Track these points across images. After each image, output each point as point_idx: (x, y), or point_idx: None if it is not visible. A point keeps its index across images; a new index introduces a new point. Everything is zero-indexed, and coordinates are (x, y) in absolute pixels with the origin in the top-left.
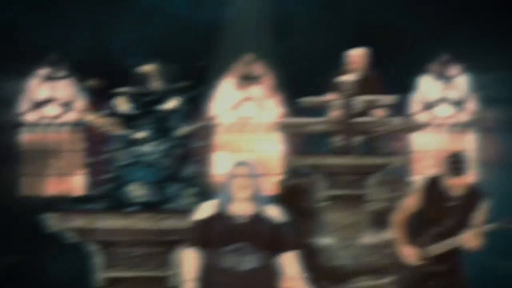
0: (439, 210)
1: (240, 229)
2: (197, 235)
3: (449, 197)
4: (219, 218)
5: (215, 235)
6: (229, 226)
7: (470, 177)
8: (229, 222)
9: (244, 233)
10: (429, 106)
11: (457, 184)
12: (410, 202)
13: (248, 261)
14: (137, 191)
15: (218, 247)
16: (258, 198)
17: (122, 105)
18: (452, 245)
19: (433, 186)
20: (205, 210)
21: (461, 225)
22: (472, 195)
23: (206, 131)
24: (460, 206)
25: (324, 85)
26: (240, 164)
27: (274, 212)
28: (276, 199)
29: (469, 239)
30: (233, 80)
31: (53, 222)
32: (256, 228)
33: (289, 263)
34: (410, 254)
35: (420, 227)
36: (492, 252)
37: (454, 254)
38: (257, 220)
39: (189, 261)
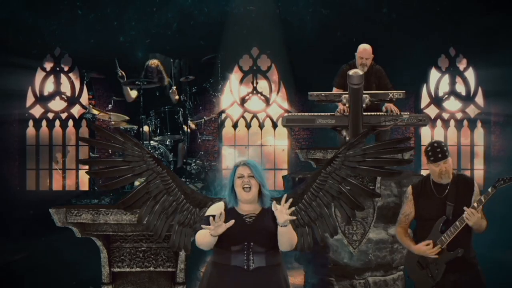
0: (435, 205)
1: (247, 229)
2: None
3: (440, 191)
4: (228, 217)
5: (224, 234)
6: (236, 226)
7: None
8: (237, 221)
9: (251, 232)
10: (437, 100)
11: (442, 174)
12: (407, 210)
13: (256, 260)
14: None
15: (226, 246)
16: (262, 196)
17: (128, 98)
18: (459, 227)
19: (422, 188)
20: (215, 209)
21: (460, 210)
22: (462, 182)
23: (213, 125)
24: (452, 193)
25: (331, 79)
26: (242, 164)
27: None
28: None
29: (470, 215)
30: (241, 75)
31: (59, 217)
32: (262, 226)
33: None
34: (423, 250)
35: (424, 227)
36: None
37: (466, 240)
38: (263, 218)
39: (203, 233)
